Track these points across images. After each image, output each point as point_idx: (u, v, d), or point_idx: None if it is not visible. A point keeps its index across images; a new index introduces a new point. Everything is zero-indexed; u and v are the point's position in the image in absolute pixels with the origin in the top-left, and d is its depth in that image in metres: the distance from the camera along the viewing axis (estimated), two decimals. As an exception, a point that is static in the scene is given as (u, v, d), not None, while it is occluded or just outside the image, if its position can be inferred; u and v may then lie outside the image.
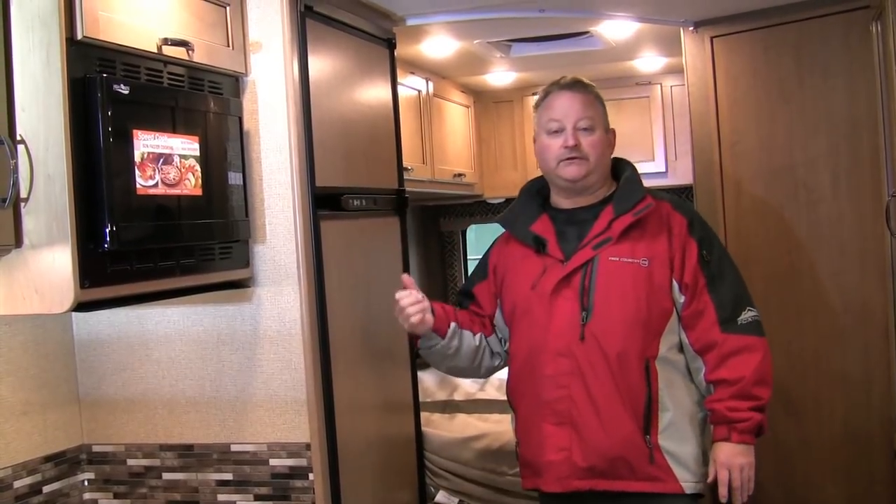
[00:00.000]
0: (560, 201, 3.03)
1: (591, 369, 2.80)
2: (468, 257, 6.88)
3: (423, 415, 4.32)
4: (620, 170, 3.04)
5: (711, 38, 4.19)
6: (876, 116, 3.64)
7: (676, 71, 5.16)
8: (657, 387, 2.80)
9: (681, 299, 2.84)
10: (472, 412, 4.94)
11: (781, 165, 3.99)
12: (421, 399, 3.89)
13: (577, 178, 2.91)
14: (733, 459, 2.78)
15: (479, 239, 9.14)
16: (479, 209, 6.50)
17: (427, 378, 5.50)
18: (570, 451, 2.82)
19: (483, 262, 3.19)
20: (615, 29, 4.42)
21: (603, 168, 2.97)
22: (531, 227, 3.00)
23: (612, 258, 2.84)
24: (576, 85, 2.99)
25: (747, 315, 2.84)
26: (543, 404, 2.87)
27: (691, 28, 4.24)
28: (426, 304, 2.95)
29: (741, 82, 4.13)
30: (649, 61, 5.24)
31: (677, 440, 2.81)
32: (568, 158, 2.90)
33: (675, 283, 2.84)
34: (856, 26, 3.75)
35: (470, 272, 3.29)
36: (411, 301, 2.93)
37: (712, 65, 4.19)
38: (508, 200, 6.19)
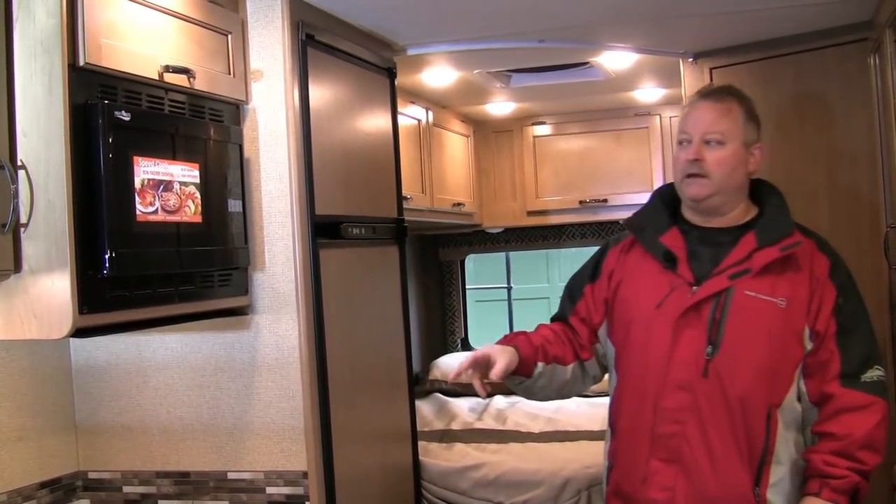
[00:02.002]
0: (692, 217, 2.76)
1: (710, 409, 2.57)
2: (467, 286, 6.88)
3: (421, 444, 4.31)
4: (764, 194, 2.78)
5: (710, 70, 4.20)
6: (874, 149, 3.65)
7: (675, 102, 5.18)
8: (776, 437, 2.57)
9: (808, 346, 2.59)
10: (469, 442, 4.93)
11: (780, 197, 3.99)
12: (419, 428, 3.89)
13: (699, 198, 2.67)
14: None
15: (478, 268, 9.17)
16: (478, 239, 6.50)
17: (425, 407, 5.50)
18: (674, 491, 2.60)
19: (595, 263, 2.90)
20: (615, 60, 4.43)
21: (733, 187, 2.69)
22: (661, 238, 2.74)
23: (749, 293, 2.59)
24: (713, 93, 2.76)
25: (873, 374, 2.58)
26: (655, 438, 2.63)
27: (690, 59, 4.25)
28: (497, 373, 2.55)
29: (740, 114, 4.14)
30: (648, 92, 5.25)
31: (784, 496, 2.59)
32: (690, 175, 2.67)
33: (807, 329, 2.59)
34: (854, 59, 3.76)
35: (575, 272, 2.96)
36: (470, 377, 2.58)
37: (711, 96, 4.20)
38: (507, 230, 6.23)
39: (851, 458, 2.52)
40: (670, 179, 2.89)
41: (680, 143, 2.73)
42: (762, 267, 2.60)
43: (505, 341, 2.74)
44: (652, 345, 2.67)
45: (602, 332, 2.84)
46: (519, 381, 2.74)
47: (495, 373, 2.56)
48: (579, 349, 2.84)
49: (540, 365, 2.72)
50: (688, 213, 2.78)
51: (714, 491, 2.57)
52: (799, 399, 2.62)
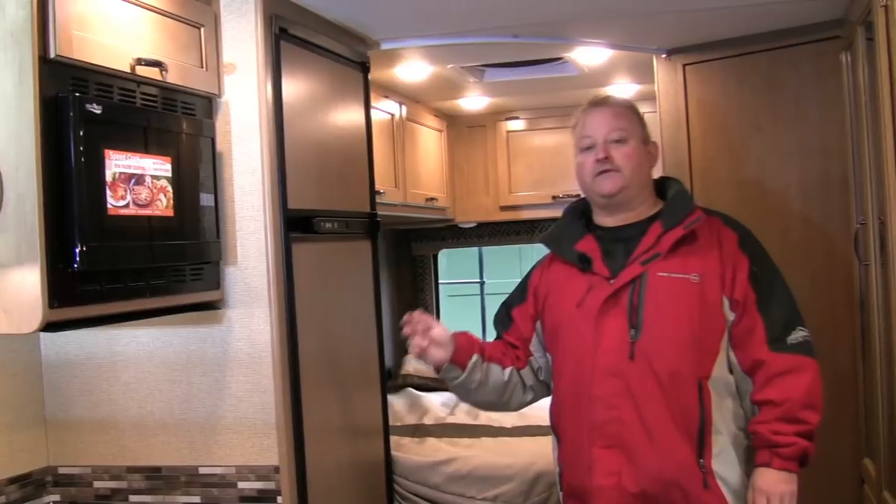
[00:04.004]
0: (604, 220, 2.91)
1: (642, 389, 2.67)
2: (440, 281, 6.88)
3: (393, 439, 4.31)
4: (668, 188, 2.92)
5: (684, 66, 4.22)
6: (846, 145, 3.67)
7: (649, 98, 5.18)
8: (710, 409, 2.66)
9: (731, 317, 2.70)
10: (441, 436, 4.93)
11: (752, 193, 4.01)
12: (391, 423, 3.88)
13: (613, 191, 2.80)
14: (773, 487, 2.61)
15: (451, 263, 9.17)
16: (451, 234, 6.50)
17: (397, 402, 5.50)
18: (620, 475, 2.67)
19: (522, 285, 3.06)
20: (589, 55, 4.44)
21: (641, 181, 2.85)
22: (576, 246, 2.88)
23: (662, 273, 2.72)
24: (606, 100, 2.94)
25: (798, 335, 2.69)
26: (593, 427, 2.72)
27: (664, 55, 4.27)
28: (435, 334, 2.80)
29: (713, 110, 4.16)
30: (622, 88, 5.26)
31: (729, 465, 2.68)
32: (601, 172, 2.80)
33: (725, 300, 2.70)
34: (826, 56, 3.78)
35: (509, 294, 3.11)
36: (408, 332, 2.79)
37: (684, 92, 4.22)
38: (480, 225, 6.24)
39: (795, 420, 2.62)
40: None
41: (583, 149, 2.87)
42: (670, 247, 2.74)
43: (454, 332, 2.90)
44: (579, 341, 2.79)
45: (536, 345, 2.98)
46: (454, 374, 2.86)
47: (434, 333, 2.78)
48: (515, 360, 2.97)
49: (476, 357, 2.86)
50: (600, 218, 2.93)
51: (658, 468, 2.66)
52: (731, 370, 2.73)
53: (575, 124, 2.94)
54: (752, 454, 2.69)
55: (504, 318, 3.05)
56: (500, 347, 2.99)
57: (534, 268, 3.06)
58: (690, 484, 2.65)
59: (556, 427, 2.91)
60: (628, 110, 2.90)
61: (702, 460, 2.65)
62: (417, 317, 2.81)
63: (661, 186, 2.94)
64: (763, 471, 2.64)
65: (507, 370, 2.94)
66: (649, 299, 2.71)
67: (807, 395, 2.63)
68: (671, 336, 2.68)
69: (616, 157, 2.80)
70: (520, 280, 3.09)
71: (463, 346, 2.86)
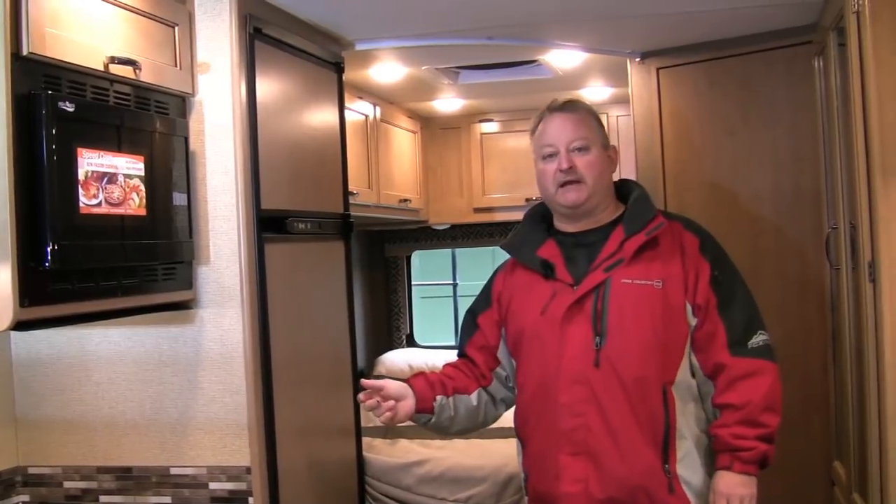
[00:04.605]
0: (565, 226, 2.91)
1: (608, 396, 2.68)
2: (413, 282, 6.87)
3: (365, 440, 4.30)
4: (628, 191, 2.92)
5: (658, 70, 4.23)
6: (818, 150, 3.69)
7: (623, 101, 5.20)
8: (675, 414, 2.69)
9: (693, 321, 2.72)
10: (413, 438, 4.94)
11: (725, 197, 4.03)
12: (363, 424, 3.88)
13: (578, 203, 2.81)
14: (733, 490, 2.64)
15: (424, 264, 9.16)
16: (425, 235, 6.50)
17: (369, 403, 5.49)
18: (587, 482, 2.69)
19: (486, 291, 3.06)
20: (563, 58, 4.45)
21: (604, 188, 2.85)
22: (538, 252, 2.89)
23: (625, 280, 2.73)
24: (566, 106, 2.91)
25: (758, 339, 2.72)
26: (559, 434, 2.73)
27: (638, 59, 4.28)
28: (391, 392, 2.83)
29: (686, 113, 4.17)
30: (596, 91, 5.28)
31: (693, 469, 2.71)
32: (565, 183, 2.80)
33: (688, 305, 2.73)
34: (799, 61, 3.80)
35: (473, 300, 3.12)
36: (371, 404, 2.83)
37: (658, 96, 4.23)
38: (454, 227, 6.24)
39: (755, 423, 2.65)
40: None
41: (545, 157, 2.87)
42: (633, 253, 2.75)
43: (410, 380, 2.95)
44: (543, 348, 2.80)
45: (503, 352, 2.98)
46: (425, 419, 2.91)
47: (390, 392, 2.83)
48: (480, 378, 3.00)
49: (440, 398, 2.90)
50: (561, 224, 2.94)
51: (624, 474, 2.67)
52: (693, 374, 2.76)
53: (534, 130, 2.95)
54: (714, 457, 2.72)
55: (470, 325, 3.06)
56: (463, 371, 3.01)
57: (496, 272, 3.08)
58: (656, 489, 2.67)
59: (521, 433, 2.92)
60: (588, 116, 2.91)
61: (667, 465, 2.68)
62: (368, 384, 2.84)
63: (621, 189, 2.95)
64: (724, 474, 2.67)
65: (475, 394, 2.98)
66: (613, 306, 2.73)
67: (767, 398, 2.67)
68: (636, 343, 2.70)
69: (579, 165, 2.80)
70: (483, 288, 3.09)
71: (424, 391, 2.89)
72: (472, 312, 3.07)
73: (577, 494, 2.70)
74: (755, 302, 2.81)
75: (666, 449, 2.68)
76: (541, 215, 3.01)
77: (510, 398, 3.02)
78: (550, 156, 2.85)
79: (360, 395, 2.84)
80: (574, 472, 2.71)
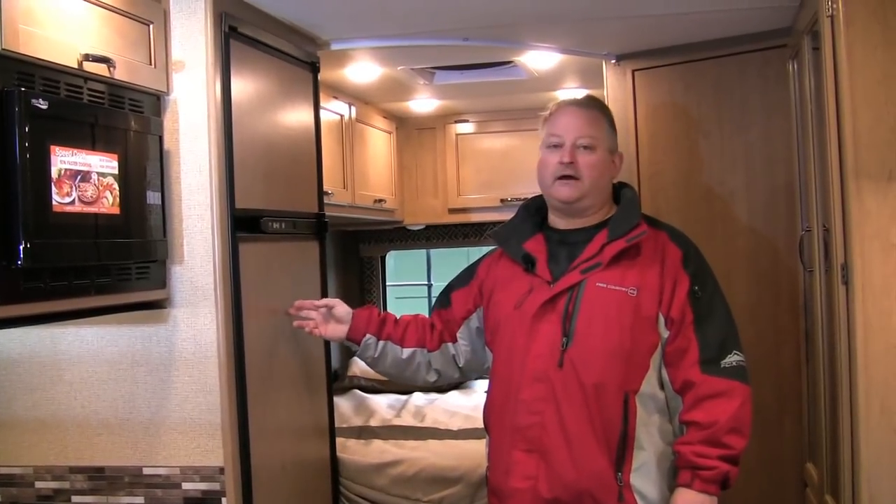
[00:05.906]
0: (557, 221, 2.92)
1: (567, 398, 2.69)
2: (387, 283, 6.88)
3: (339, 440, 4.30)
4: (622, 194, 2.93)
5: (633, 72, 4.25)
6: (792, 152, 3.71)
7: (598, 103, 5.22)
8: (635, 423, 2.68)
9: (665, 334, 2.72)
10: (387, 438, 4.93)
11: (699, 198, 4.05)
12: (337, 424, 3.87)
13: (570, 199, 2.82)
14: None
15: (399, 265, 9.16)
16: (399, 235, 6.51)
17: (343, 403, 5.50)
18: (536, 479, 2.71)
19: (469, 270, 3.11)
20: (539, 59, 4.46)
21: (600, 191, 2.86)
22: (524, 245, 2.90)
23: (600, 284, 2.73)
24: (582, 102, 2.92)
25: (732, 359, 2.69)
26: (515, 430, 2.76)
27: (613, 61, 4.29)
28: (336, 312, 3.14)
29: (661, 115, 4.19)
30: (572, 92, 5.25)
31: (649, 481, 2.69)
32: (562, 177, 2.81)
33: (661, 317, 2.72)
34: (773, 64, 3.82)
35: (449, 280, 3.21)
36: (299, 323, 3.16)
37: (633, 97, 4.24)
38: (429, 227, 6.24)
39: (719, 444, 2.63)
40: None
41: (550, 146, 2.87)
42: (611, 258, 2.76)
43: (357, 309, 3.17)
44: (513, 343, 2.83)
45: (465, 332, 3.08)
46: (354, 348, 3.13)
47: (336, 311, 3.14)
48: (427, 341, 3.10)
49: (368, 336, 3.08)
50: (554, 219, 2.95)
51: (573, 476, 2.68)
52: (662, 387, 2.75)
53: (546, 117, 2.93)
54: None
55: (444, 298, 3.14)
56: (417, 327, 3.12)
57: (484, 257, 3.11)
58: (604, 496, 2.68)
59: (486, 424, 2.96)
60: (602, 117, 2.90)
61: (620, 473, 2.68)
62: (321, 301, 3.19)
63: (617, 192, 2.95)
64: (683, 490, 2.65)
65: (408, 350, 3.08)
66: (584, 309, 2.74)
67: (733, 419, 2.64)
68: (600, 348, 2.70)
69: (581, 163, 2.80)
70: (468, 265, 3.16)
71: (359, 323, 3.10)
72: (449, 287, 3.15)
73: (525, 491, 2.74)
74: (733, 321, 2.79)
75: (620, 457, 2.68)
76: (536, 208, 3.01)
77: (447, 373, 3.13)
78: (556, 146, 2.85)
79: (296, 302, 3.18)
80: (525, 468, 2.74)
